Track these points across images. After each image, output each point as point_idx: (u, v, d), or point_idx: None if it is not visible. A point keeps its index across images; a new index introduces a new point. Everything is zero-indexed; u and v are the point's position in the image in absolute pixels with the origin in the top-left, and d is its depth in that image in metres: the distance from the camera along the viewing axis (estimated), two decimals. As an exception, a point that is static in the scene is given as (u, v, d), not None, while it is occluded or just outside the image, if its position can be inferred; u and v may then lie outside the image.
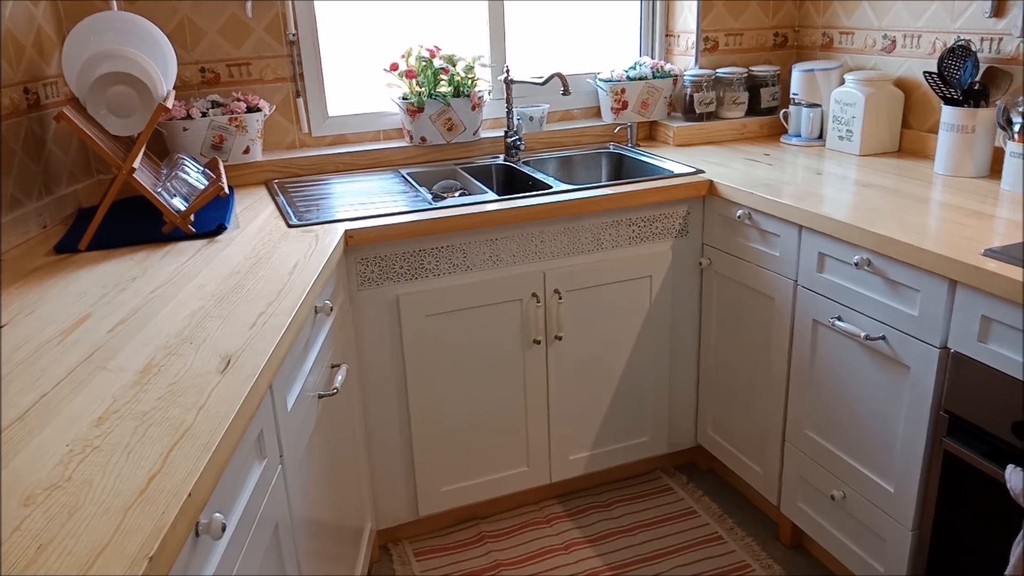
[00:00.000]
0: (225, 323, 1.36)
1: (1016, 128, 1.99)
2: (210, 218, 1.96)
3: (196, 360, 1.22)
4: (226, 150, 2.33)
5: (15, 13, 1.92)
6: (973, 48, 2.15)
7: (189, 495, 0.87)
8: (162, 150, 2.33)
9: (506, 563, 2.24)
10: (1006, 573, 1.45)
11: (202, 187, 2.01)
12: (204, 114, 2.29)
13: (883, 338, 1.77)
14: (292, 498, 1.39)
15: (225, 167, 2.24)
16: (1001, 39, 2.16)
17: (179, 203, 1.93)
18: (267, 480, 1.25)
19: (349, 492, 1.92)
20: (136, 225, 1.94)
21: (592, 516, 2.44)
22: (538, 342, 2.25)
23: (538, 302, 2.21)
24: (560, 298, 2.23)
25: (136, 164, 1.83)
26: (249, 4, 2.35)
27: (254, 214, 2.08)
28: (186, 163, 2.10)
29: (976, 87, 2.12)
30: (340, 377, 1.72)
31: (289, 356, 1.42)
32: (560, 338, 2.27)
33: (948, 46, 2.19)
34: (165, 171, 2.09)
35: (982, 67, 2.13)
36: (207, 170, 2.16)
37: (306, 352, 1.58)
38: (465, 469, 2.30)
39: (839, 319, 1.89)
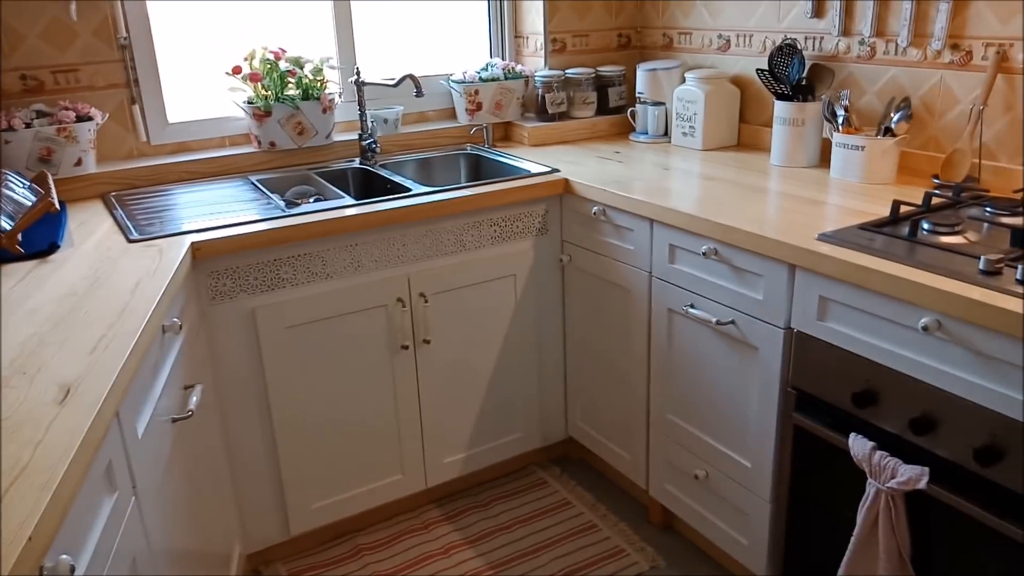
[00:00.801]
0: (62, 349, 1.26)
1: (840, 120, 2.15)
2: (41, 237, 1.81)
3: (31, 391, 1.12)
4: (55, 163, 2.16)
5: None
6: (799, 47, 2.30)
7: (29, 539, 0.80)
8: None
9: (384, 574, 2.20)
10: (854, 533, 1.57)
11: (30, 204, 1.85)
12: (28, 125, 2.12)
13: (732, 322, 1.87)
14: (150, 530, 1.31)
15: (55, 181, 2.07)
16: (822, 38, 2.33)
17: (4, 222, 1.76)
18: (120, 513, 1.16)
19: (214, 517, 1.83)
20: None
21: (471, 517, 2.44)
22: (406, 347, 2.22)
23: (404, 306, 2.18)
24: (426, 301, 2.21)
25: (-52, 181, 1.66)
26: (73, 6, 2.19)
27: (90, 230, 1.94)
28: (10, 179, 1.93)
29: (803, 83, 2.28)
30: (195, 398, 1.63)
31: (136, 380, 1.33)
32: (428, 342, 2.25)
33: (776, 45, 2.34)
34: (-16, 187, 1.91)
35: (808, 64, 2.29)
36: (35, 185, 1.99)
37: (155, 374, 1.48)
38: (337, 483, 2.24)
39: (692, 307, 1.97)
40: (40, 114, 2.17)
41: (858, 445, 1.56)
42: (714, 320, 1.90)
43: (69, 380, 1.15)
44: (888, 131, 2.06)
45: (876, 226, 1.69)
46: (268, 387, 2.05)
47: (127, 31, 2.30)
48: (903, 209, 1.75)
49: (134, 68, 2.33)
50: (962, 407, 1.40)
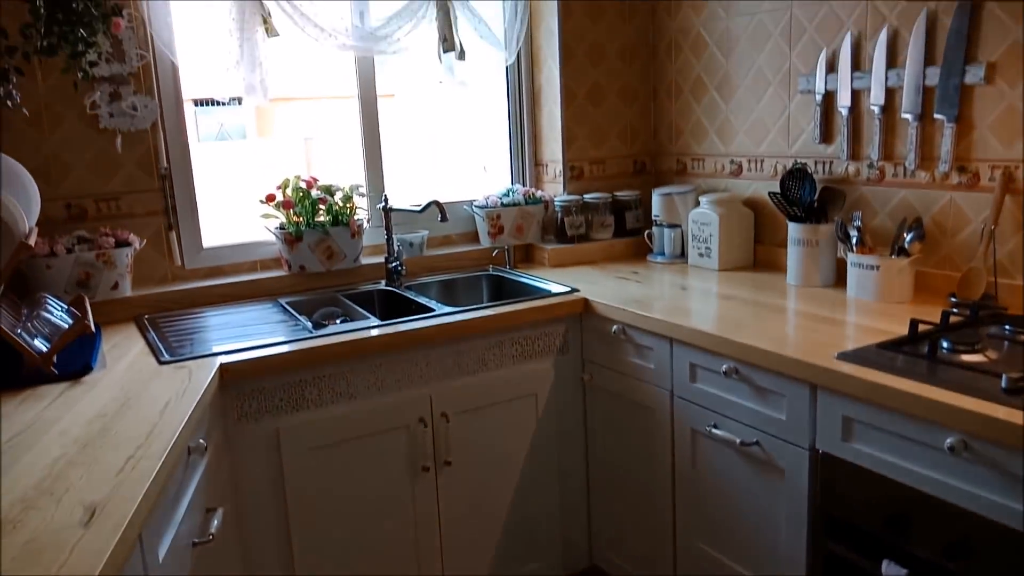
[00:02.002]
0: (89, 471, 1.28)
1: (854, 240, 2.19)
2: (75, 358, 1.86)
3: (57, 513, 1.13)
4: (93, 286, 2.24)
5: None
6: (809, 170, 2.38)
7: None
8: (24, 289, 2.21)
9: None
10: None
11: (66, 326, 1.92)
12: (69, 250, 2.21)
13: (757, 443, 1.85)
14: (164, 660, 1.28)
15: (92, 304, 2.15)
16: (832, 162, 2.41)
17: (41, 344, 1.82)
18: (136, 642, 1.15)
19: (228, 647, 1.78)
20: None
21: (490, 649, 2.34)
22: (427, 469, 2.21)
23: (425, 427, 2.18)
24: (448, 421, 2.22)
25: (-8, 305, 1.73)
26: (119, 139, 2.33)
27: (123, 352, 1.99)
28: (49, 302, 2.00)
29: (815, 205, 2.34)
30: (216, 522, 1.62)
31: (160, 502, 1.34)
32: (450, 463, 2.24)
33: (787, 169, 2.42)
34: (26, 311, 1.98)
35: (819, 187, 2.36)
36: (72, 309, 2.06)
37: (179, 496, 1.49)
38: (355, 610, 2.18)
39: (715, 427, 1.96)
40: (81, 240, 2.26)
41: (892, 572, 1.51)
42: (738, 441, 1.88)
43: (95, 501, 1.16)
44: (902, 251, 2.10)
45: (895, 345, 1.70)
46: (289, 510, 2.03)
47: (168, 162, 2.43)
48: (921, 328, 1.76)
49: (172, 196, 2.45)
50: (996, 531, 1.36)
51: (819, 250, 2.31)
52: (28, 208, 1.99)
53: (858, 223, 2.20)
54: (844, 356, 1.65)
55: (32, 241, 1.90)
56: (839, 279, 2.30)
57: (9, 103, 2.03)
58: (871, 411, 1.56)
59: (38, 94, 2.20)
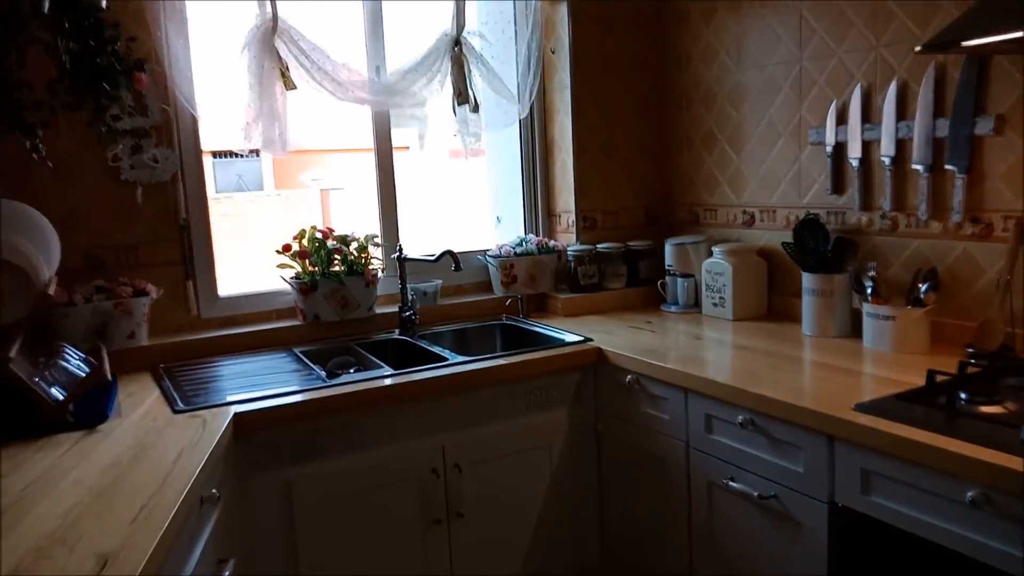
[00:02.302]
0: (103, 520, 1.27)
1: (868, 291, 2.19)
2: (91, 407, 1.86)
3: (70, 562, 1.13)
4: (110, 335, 2.26)
5: None
6: (822, 221, 2.39)
7: None
8: (42, 337, 2.23)
9: None
10: None
11: (83, 375, 1.93)
12: (88, 300, 2.24)
13: (775, 496, 1.82)
14: None
15: (109, 353, 2.16)
16: (844, 212, 2.42)
17: (57, 392, 1.83)
18: None
19: None
20: (7, 418, 1.82)
21: None
22: (439, 521, 2.18)
23: (438, 477, 2.17)
24: (461, 472, 2.20)
25: (12, 354, 1.75)
26: (139, 191, 2.37)
27: (138, 400, 2.00)
28: (67, 351, 2.02)
29: (829, 255, 2.34)
30: (227, 573, 1.61)
31: (172, 553, 1.33)
32: (462, 515, 2.21)
33: (800, 219, 2.43)
34: (43, 359, 1.99)
35: (832, 237, 2.36)
36: (89, 358, 2.08)
37: (191, 547, 1.48)
38: (365, 666, 2.13)
39: (732, 480, 1.94)
40: (99, 289, 2.29)
41: (915, 629, 1.47)
42: (755, 494, 1.86)
43: (107, 551, 1.16)
44: (917, 301, 2.09)
45: (913, 396, 1.68)
46: (300, 561, 2.01)
47: (186, 212, 2.47)
48: (938, 378, 1.74)
49: (190, 247, 2.48)
50: (1022, 588, 1.33)
51: (834, 300, 2.31)
52: (48, 258, 2.02)
53: (872, 273, 2.20)
54: (861, 407, 1.64)
55: (51, 290, 1.93)
56: (854, 329, 2.29)
57: (35, 155, 2.08)
58: (890, 463, 1.54)
59: (61, 146, 2.24)
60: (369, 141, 2.80)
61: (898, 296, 2.19)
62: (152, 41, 2.30)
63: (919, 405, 1.63)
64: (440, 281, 2.83)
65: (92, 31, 2.11)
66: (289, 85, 2.48)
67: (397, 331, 2.67)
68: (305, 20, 2.49)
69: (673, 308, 2.82)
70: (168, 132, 2.40)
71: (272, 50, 2.44)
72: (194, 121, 2.46)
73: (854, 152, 2.34)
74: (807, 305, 2.36)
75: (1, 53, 1.97)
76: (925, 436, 1.47)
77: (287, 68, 2.47)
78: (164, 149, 2.38)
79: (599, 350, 2.36)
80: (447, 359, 2.31)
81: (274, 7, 2.42)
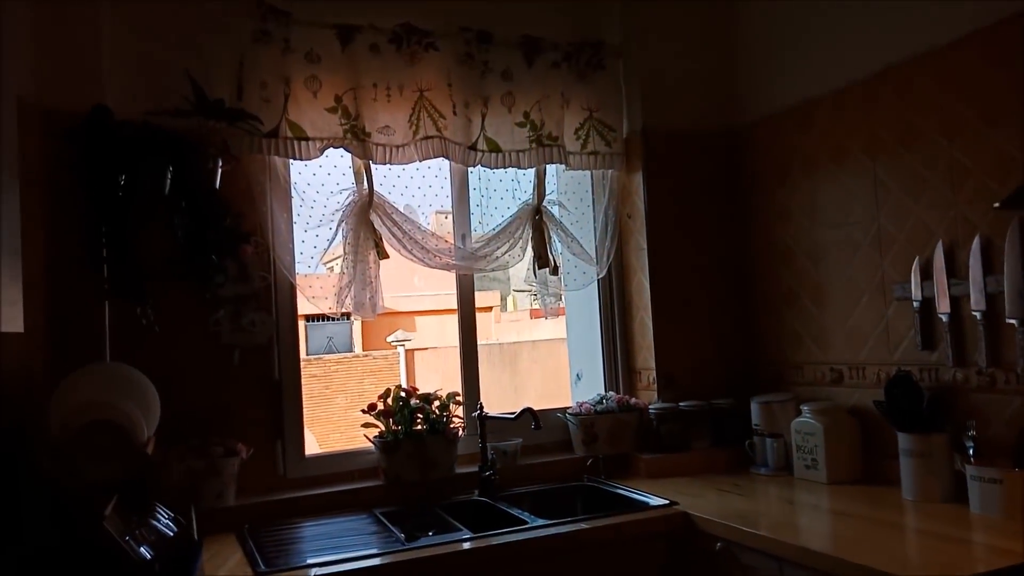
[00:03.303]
0: None
1: (970, 451, 2.07)
2: (176, 568, 1.89)
3: None
4: (200, 494, 2.31)
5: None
6: (915, 378, 2.31)
7: None
8: (135, 495, 2.29)
9: None
10: None
11: (171, 534, 1.97)
12: (181, 459, 2.31)
13: None
14: None
15: (196, 513, 2.20)
16: (937, 369, 2.33)
17: (145, 552, 1.87)
18: None
19: None
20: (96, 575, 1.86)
21: None
22: None
23: (518, 650, 2.07)
24: (541, 645, 2.10)
25: (107, 511, 1.80)
26: (237, 353, 2.49)
27: (222, 560, 2.02)
28: (158, 510, 2.07)
29: (925, 414, 2.24)
30: None
31: None
32: None
33: (891, 376, 2.36)
34: (136, 518, 2.05)
35: (926, 395, 2.27)
36: (178, 517, 2.12)
37: None
38: None
39: (836, 659, 1.78)
40: (192, 448, 2.36)
41: None
42: (862, 676, 1.70)
43: None
44: (1027, 463, 1.97)
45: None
46: None
47: (279, 375, 2.57)
48: (1060, 550, 1.61)
49: (281, 407, 2.57)
50: None
51: (933, 461, 2.19)
52: (149, 418, 2.13)
53: (972, 432, 2.08)
54: (975, 581, 1.52)
55: (150, 449, 2.01)
56: (958, 493, 2.15)
57: (144, 321, 2.24)
58: (1013, 646, 1.40)
59: (166, 310, 2.39)
60: (453, 303, 2.91)
61: (1003, 457, 2.06)
62: (257, 216, 2.50)
63: (1040, 580, 1.50)
64: (520, 440, 2.81)
65: (206, 209, 2.32)
66: (383, 255, 2.64)
67: (477, 491, 2.64)
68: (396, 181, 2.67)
69: (763, 470, 2.71)
70: (267, 298, 2.55)
71: (368, 223, 2.62)
72: (292, 288, 2.61)
73: (942, 308, 2.29)
74: (905, 467, 2.24)
75: (128, 233, 2.18)
76: (1050, 615, 1.34)
77: (381, 239, 2.63)
78: (262, 314, 2.53)
79: (685, 514, 2.27)
80: (527, 522, 2.26)
81: (370, 183, 2.61)
